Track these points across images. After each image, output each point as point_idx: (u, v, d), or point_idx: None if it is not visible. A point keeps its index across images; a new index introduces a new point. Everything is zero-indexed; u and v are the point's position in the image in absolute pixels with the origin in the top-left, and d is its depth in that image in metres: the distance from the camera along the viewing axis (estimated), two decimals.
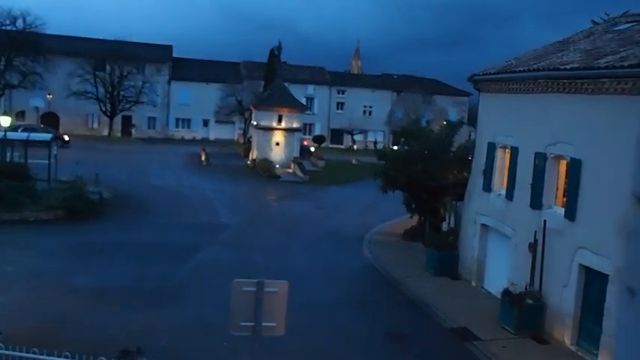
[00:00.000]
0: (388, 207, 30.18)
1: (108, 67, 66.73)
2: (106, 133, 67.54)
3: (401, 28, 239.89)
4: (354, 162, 55.84)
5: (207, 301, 16.70)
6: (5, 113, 35.72)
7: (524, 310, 15.32)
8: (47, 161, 31.06)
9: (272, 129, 49.62)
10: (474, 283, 19.76)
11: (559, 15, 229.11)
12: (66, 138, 52.66)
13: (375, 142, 71.34)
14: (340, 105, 77.99)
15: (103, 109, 67.43)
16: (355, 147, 71.69)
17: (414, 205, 26.63)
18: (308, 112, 65.36)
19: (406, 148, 26.84)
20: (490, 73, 19.28)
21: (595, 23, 20.06)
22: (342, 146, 75.48)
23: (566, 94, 15.20)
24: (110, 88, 67.08)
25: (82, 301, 16.24)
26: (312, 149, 60.23)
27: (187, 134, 72.13)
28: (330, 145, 74.47)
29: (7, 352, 9.91)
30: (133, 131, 67.31)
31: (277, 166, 47.31)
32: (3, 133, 30.79)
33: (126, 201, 30.80)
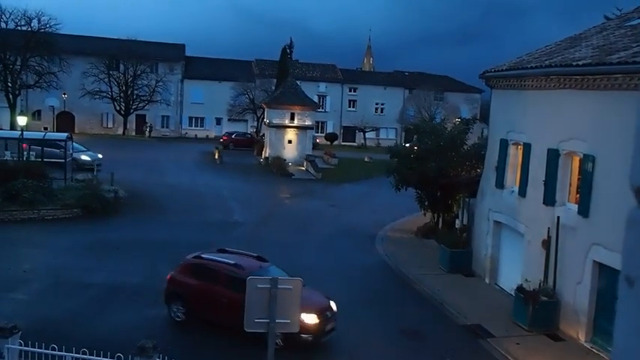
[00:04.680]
0: (401, 204, 30.17)
1: (121, 67, 67.19)
2: (120, 132, 68.00)
3: (413, 24, 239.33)
4: (366, 159, 55.79)
5: None
6: (22, 113, 36.06)
7: (538, 307, 15.31)
8: (63, 160, 31.37)
9: (284, 127, 49.70)
10: (487, 280, 19.75)
11: (575, 9, 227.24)
12: (317, 140, 61.49)
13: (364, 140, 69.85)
14: (352, 102, 77.90)
15: (117, 108, 67.90)
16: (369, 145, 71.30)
17: (426, 203, 26.62)
18: (320, 109, 65.36)
19: (419, 145, 26.81)
20: (502, 70, 19.24)
21: (607, 19, 19.96)
22: (355, 144, 75.42)
23: (578, 90, 15.15)
24: (124, 87, 67.55)
25: (98, 298, 16.46)
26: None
27: (200, 132, 72.43)
28: (343, 143, 74.48)
29: (26, 349, 10.10)
30: (147, 131, 67.67)
31: (290, 163, 47.38)
32: (20, 132, 31.14)
33: (141, 199, 31.04)
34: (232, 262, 14.71)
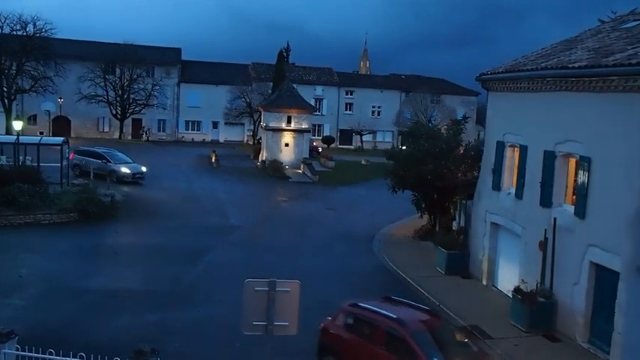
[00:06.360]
0: (398, 207, 30.20)
1: (118, 71, 67.10)
2: (116, 136, 67.90)
3: (410, 26, 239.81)
4: (363, 162, 55.87)
5: (219, 301, 16.83)
6: (18, 118, 36.01)
7: (536, 308, 15.33)
8: (59, 164, 31.32)
9: (281, 130, 49.76)
10: (484, 282, 19.77)
11: (572, 12, 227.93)
12: (320, 149, 59.44)
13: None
14: (349, 106, 78.01)
15: (114, 112, 67.80)
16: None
17: (423, 205, 26.65)
18: (317, 113, 65.42)
19: (414, 148, 26.80)
20: (498, 72, 19.29)
21: (602, 22, 20.03)
22: (352, 147, 75.53)
23: (574, 93, 15.20)
24: (120, 92, 67.48)
25: (96, 303, 16.42)
26: (320, 149, 60.79)
27: (197, 136, 72.40)
28: (340, 146, 74.56)
29: (23, 354, 10.07)
30: (144, 135, 67.65)
31: (287, 167, 47.43)
32: (16, 136, 31.07)
33: (137, 203, 31.00)
34: (394, 315, 12.11)
